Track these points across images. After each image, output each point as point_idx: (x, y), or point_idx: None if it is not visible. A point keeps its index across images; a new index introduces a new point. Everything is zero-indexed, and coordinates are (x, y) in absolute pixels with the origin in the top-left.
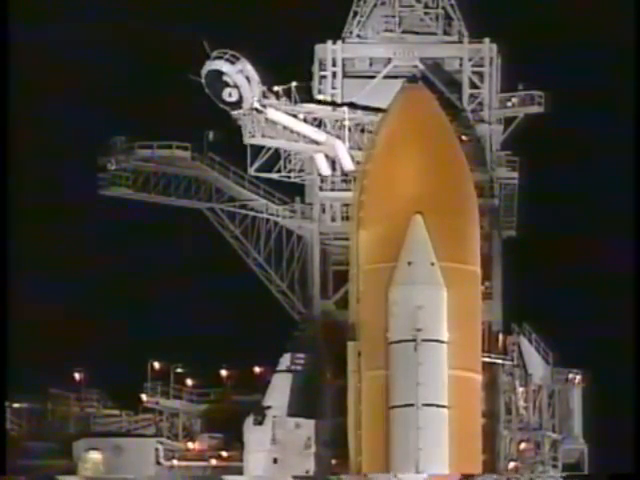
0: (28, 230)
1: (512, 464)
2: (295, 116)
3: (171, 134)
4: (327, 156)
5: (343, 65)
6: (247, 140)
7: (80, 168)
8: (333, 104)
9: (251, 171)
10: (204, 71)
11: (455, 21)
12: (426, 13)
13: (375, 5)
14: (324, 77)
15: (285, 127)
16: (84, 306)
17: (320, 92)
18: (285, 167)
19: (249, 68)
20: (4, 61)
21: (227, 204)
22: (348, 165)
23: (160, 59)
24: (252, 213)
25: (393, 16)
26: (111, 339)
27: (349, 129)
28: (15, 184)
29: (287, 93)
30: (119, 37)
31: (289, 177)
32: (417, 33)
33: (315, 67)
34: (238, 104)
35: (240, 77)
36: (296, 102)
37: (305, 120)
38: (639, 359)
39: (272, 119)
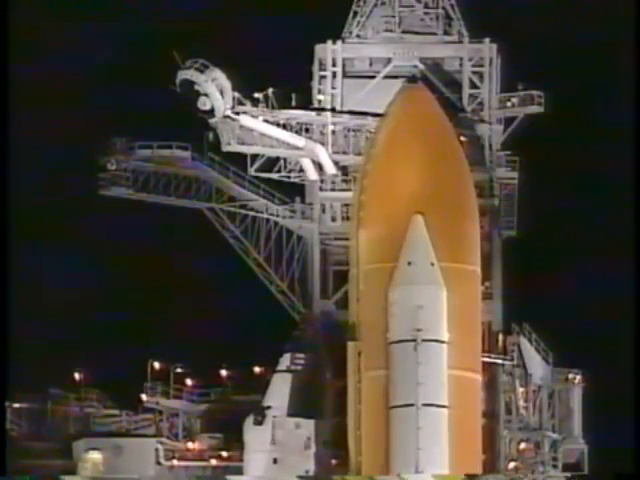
0: (28, 230)
1: (512, 464)
2: (277, 123)
3: (171, 134)
4: (314, 161)
5: (343, 65)
6: (224, 148)
7: (80, 168)
8: (317, 109)
9: (251, 171)
10: (177, 81)
11: (455, 21)
12: (426, 13)
13: (375, 5)
14: (324, 77)
15: (262, 133)
16: (84, 306)
17: (320, 92)
18: (285, 167)
19: (219, 76)
20: (4, 62)
21: (227, 204)
22: (330, 169)
23: (160, 59)
24: (252, 213)
25: (393, 16)
26: (111, 339)
27: (333, 133)
28: (15, 184)
29: (267, 99)
30: (118, 38)
31: (289, 177)
32: (417, 33)
33: (315, 67)
34: (212, 112)
35: (209, 85)
36: (273, 108)
37: (285, 126)
38: (639, 359)
39: (246, 126)
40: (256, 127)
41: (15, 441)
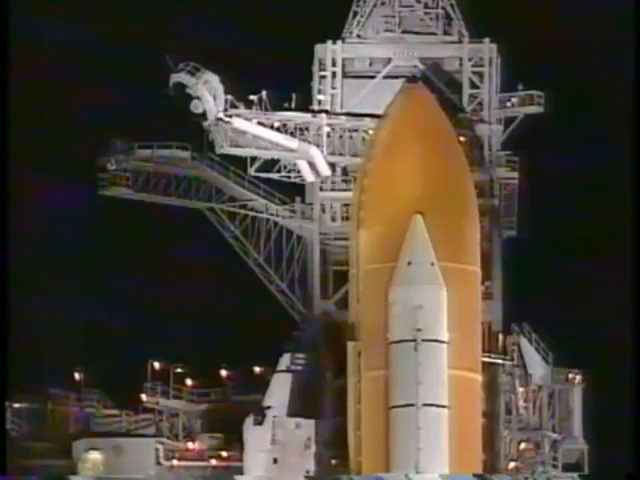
0: (28, 230)
1: (512, 464)
2: (272, 125)
3: (171, 134)
4: (310, 162)
5: (343, 65)
6: (218, 150)
7: (80, 168)
8: (311, 111)
9: (251, 171)
10: (170, 84)
11: (455, 21)
12: (426, 13)
13: (375, 5)
14: (324, 77)
15: (255, 136)
16: (84, 306)
17: (320, 92)
18: (285, 167)
19: (211, 78)
20: (4, 61)
21: (227, 204)
22: (325, 171)
23: (160, 59)
24: (252, 213)
25: (393, 16)
26: (111, 339)
27: (328, 135)
28: (15, 184)
29: (261, 101)
30: (119, 37)
31: (289, 177)
32: (417, 33)
33: (315, 67)
34: (204, 115)
35: (201, 88)
36: (267, 110)
37: (279, 129)
38: (639, 359)
39: (239, 128)
40: (248, 129)
41: (15, 441)
